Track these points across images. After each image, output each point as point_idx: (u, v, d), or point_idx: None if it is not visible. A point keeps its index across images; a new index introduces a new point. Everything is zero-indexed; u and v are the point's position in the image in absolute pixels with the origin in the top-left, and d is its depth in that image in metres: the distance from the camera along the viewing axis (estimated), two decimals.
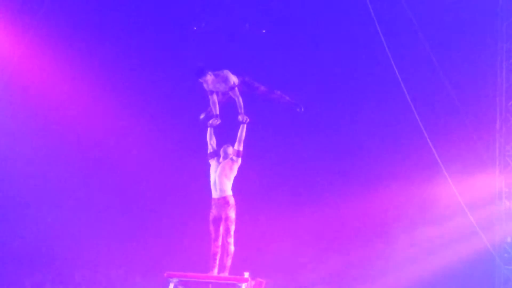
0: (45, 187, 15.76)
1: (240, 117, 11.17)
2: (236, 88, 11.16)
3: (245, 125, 11.17)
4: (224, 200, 11.09)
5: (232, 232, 11.06)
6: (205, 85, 11.32)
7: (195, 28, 16.15)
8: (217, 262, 11.03)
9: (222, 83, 11.18)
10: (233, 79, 11.18)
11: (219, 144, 11.33)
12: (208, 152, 11.40)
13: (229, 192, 11.16)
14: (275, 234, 15.82)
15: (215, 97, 11.33)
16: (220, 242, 11.07)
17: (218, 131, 11.49)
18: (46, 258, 15.60)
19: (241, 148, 11.17)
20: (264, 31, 16.20)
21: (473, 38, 15.66)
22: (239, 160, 11.21)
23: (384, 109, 15.87)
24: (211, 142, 11.39)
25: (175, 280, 10.82)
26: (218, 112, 11.34)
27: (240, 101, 11.17)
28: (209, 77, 11.17)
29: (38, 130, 15.69)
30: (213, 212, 11.15)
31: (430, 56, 15.02)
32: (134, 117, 15.92)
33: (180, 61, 15.88)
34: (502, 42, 15.63)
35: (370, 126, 15.94)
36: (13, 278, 15.20)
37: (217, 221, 11.11)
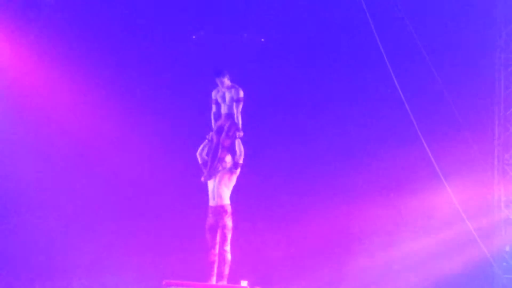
0: (40, 194, 15.70)
1: (237, 133, 11.24)
2: (241, 104, 11.29)
3: (240, 140, 11.22)
4: (222, 209, 11.09)
5: (229, 240, 11.06)
6: (216, 90, 11.47)
7: (193, 37, 16.18)
8: (215, 270, 11.02)
9: (232, 90, 11.35)
10: (242, 95, 11.31)
11: None
12: (200, 163, 11.42)
13: (227, 200, 11.17)
14: (274, 243, 15.78)
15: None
16: (217, 251, 11.06)
17: None
18: (42, 267, 15.52)
19: (241, 161, 11.22)
20: (263, 39, 16.23)
21: (471, 47, 15.67)
22: (238, 170, 11.25)
23: (382, 117, 15.86)
24: (203, 154, 11.43)
25: None
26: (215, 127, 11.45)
27: (239, 117, 11.29)
28: (226, 80, 11.37)
29: (34, 134, 15.65)
30: (210, 220, 11.15)
31: (428, 65, 15.04)
32: (131, 123, 15.89)
33: (178, 70, 15.91)
34: (501, 51, 15.66)
35: (368, 135, 15.93)
36: None
37: (214, 229, 11.11)
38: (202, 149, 11.45)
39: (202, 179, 11.24)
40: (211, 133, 11.45)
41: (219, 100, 11.48)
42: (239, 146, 11.20)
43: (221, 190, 11.14)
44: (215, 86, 11.56)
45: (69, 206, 15.81)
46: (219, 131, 11.36)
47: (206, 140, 11.45)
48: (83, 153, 15.80)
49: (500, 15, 15.63)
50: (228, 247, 11.06)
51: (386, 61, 13.86)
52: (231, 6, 15.94)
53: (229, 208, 11.14)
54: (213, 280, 10.98)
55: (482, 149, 15.62)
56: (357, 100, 15.85)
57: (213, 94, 11.55)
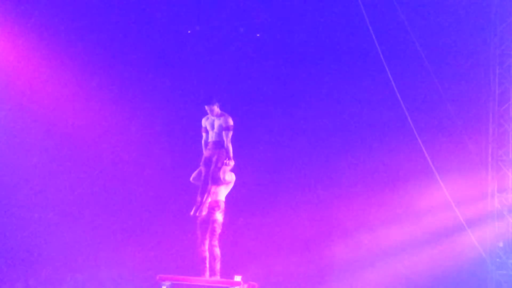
0: (36, 190, 15.71)
1: (225, 161, 11.24)
2: (230, 133, 11.21)
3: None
4: (215, 203, 11.13)
5: (217, 235, 11.06)
6: (206, 117, 11.40)
7: (189, 32, 16.18)
8: (208, 266, 11.03)
9: (222, 118, 11.26)
10: (231, 123, 11.23)
11: None
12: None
13: (221, 197, 11.21)
14: (268, 238, 15.81)
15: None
16: (206, 246, 11.07)
17: None
18: (37, 261, 15.55)
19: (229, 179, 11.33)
20: (258, 35, 16.23)
21: (466, 44, 15.70)
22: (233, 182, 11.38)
23: (377, 113, 15.87)
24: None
25: (167, 283, 10.85)
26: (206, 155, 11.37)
27: (230, 146, 11.22)
28: (216, 108, 11.28)
29: (30, 130, 15.66)
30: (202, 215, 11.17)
31: (423, 61, 15.06)
32: (127, 120, 15.91)
33: (174, 65, 15.91)
34: (495, 48, 15.66)
35: (362, 128, 15.95)
36: (3, 282, 15.14)
37: (205, 224, 11.13)
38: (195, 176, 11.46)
39: (192, 213, 11.15)
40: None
41: (208, 127, 11.39)
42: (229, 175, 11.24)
43: (219, 188, 11.18)
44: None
45: (63, 202, 15.82)
46: (207, 162, 11.27)
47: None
48: (78, 149, 15.80)
49: (495, 12, 15.64)
50: (216, 242, 11.05)
51: (381, 56, 13.89)
52: (226, 1, 15.93)
53: (222, 205, 11.17)
54: (207, 275, 11.00)
55: (476, 145, 15.64)
56: (350, 95, 15.86)
57: (203, 121, 11.47)
